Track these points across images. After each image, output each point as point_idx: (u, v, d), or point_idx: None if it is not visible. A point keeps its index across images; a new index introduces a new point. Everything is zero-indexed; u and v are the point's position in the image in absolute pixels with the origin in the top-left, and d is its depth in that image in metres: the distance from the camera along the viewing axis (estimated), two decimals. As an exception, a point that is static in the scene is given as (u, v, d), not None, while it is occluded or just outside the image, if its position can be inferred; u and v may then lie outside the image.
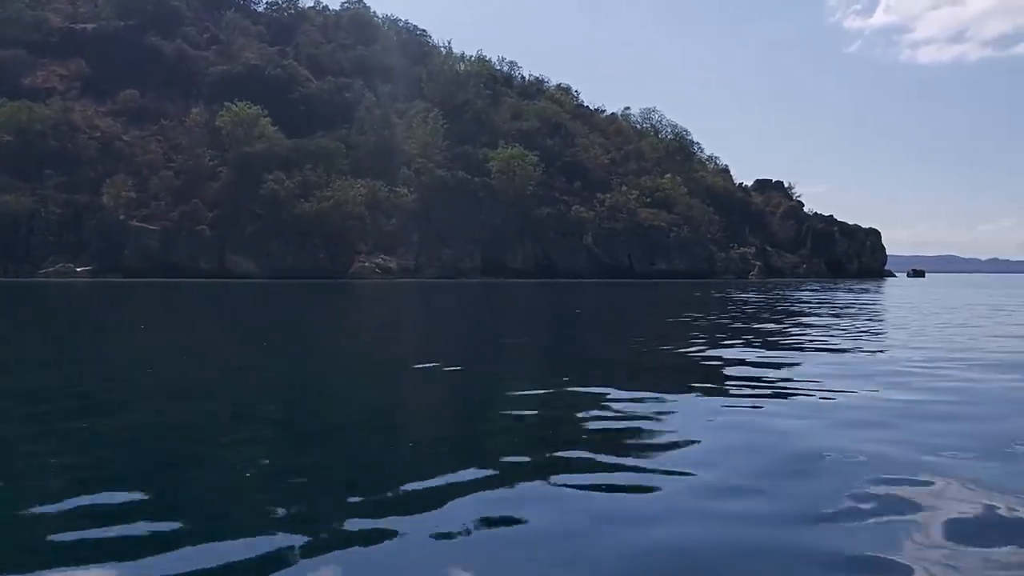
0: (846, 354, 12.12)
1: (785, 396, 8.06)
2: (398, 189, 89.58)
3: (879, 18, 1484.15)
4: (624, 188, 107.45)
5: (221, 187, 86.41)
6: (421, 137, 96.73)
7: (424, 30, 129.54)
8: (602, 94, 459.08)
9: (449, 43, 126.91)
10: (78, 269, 77.95)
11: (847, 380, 9.04)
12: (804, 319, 21.31)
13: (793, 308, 27.67)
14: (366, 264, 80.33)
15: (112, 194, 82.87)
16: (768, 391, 8.32)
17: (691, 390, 8.38)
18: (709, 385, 8.86)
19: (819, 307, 28.04)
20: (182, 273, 77.90)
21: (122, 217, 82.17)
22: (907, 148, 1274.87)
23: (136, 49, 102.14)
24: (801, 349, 12.86)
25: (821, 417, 6.96)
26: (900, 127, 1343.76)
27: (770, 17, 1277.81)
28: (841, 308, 27.28)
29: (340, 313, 28.36)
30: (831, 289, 54.95)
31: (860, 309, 26.93)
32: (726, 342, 13.94)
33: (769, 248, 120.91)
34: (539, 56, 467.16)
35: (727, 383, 9.03)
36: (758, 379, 9.17)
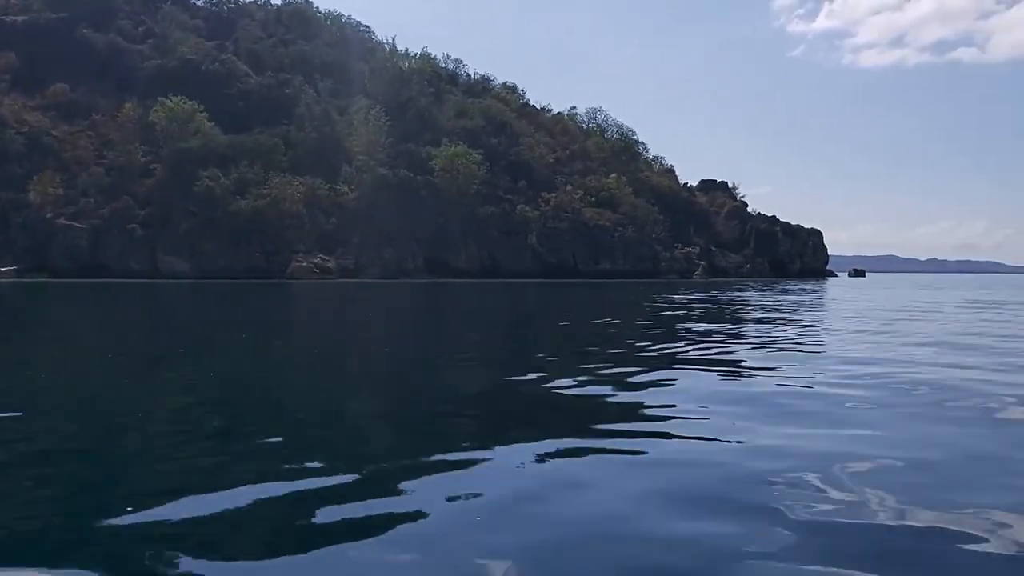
0: (758, 374, 10.89)
1: (661, 435, 6.65)
2: (339, 187, 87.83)
3: (822, 22, 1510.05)
4: (569, 188, 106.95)
5: (154, 184, 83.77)
6: (363, 134, 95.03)
7: (368, 26, 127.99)
8: (549, 94, 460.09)
9: (393, 39, 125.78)
10: (2, 269, 74.84)
11: (745, 409, 7.78)
12: (732, 326, 20.56)
13: (724, 311, 27.00)
14: (304, 264, 78.27)
15: (39, 191, 79.84)
16: (640, 430, 6.85)
17: (544, 427, 7.01)
18: (573, 421, 7.37)
19: (752, 311, 27.41)
20: (112, 274, 75.34)
21: (49, 215, 79.21)
22: (850, 151, 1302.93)
23: (68, 42, 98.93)
24: (712, 364, 11.79)
25: (672, 475, 5.34)
26: (843, 130, 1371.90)
27: (716, 20, 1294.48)
28: (775, 311, 26.67)
29: (242, 316, 26.99)
30: (771, 289, 54.73)
31: (794, 312, 26.33)
32: (641, 354, 13.02)
33: (713, 248, 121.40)
34: (486, 55, 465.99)
35: (598, 417, 7.59)
36: (635, 410, 7.79)
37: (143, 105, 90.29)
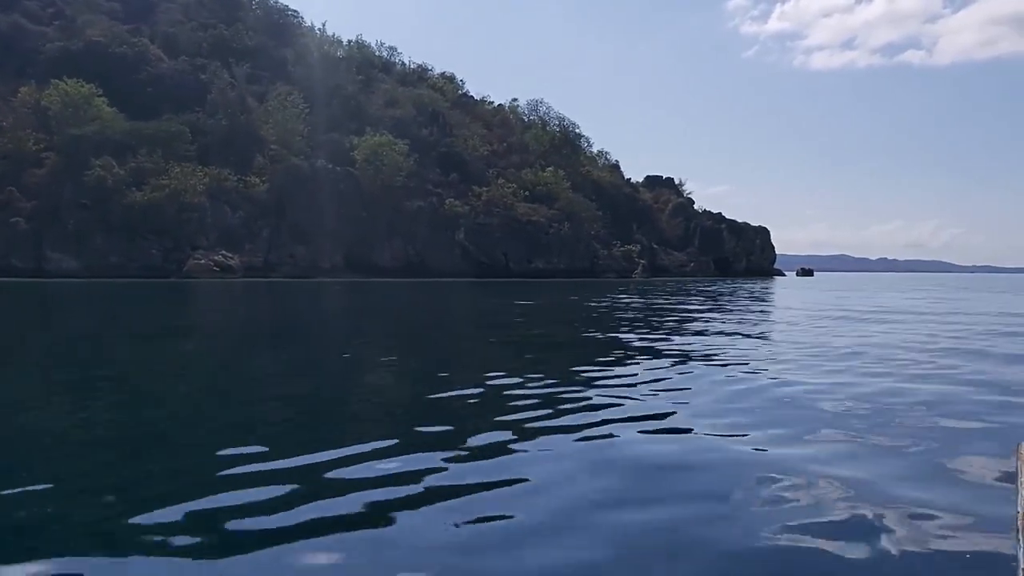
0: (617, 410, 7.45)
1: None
2: (249, 178, 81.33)
3: (774, 24, 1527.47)
4: (502, 181, 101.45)
5: (44, 175, 76.72)
6: (280, 122, 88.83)
7: (296, 11, 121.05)
8: (496, 88, 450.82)
9: (323, 25, 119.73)
10: None
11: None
12: (630, 335, 15.58)
13: (632, 322, 21.96)
14: (202, 262, 71.50)
15: (-86, 181, 72.73)
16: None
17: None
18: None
19: (660, 318, 22.49)
20: (-9, 271, 68.52)
21: (-77, 207, 72.07)
22: (805, 151, 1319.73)
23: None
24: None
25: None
26: (798, 131, 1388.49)
27: (670, 20, 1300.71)
28: (689, 319, 21.89)
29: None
30: (703, 292, 50.23)
31: (706, 323, 21.41)
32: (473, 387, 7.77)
33: (656, 246, 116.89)
34: (435, 50, 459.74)
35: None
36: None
37: (41, 89, 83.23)
